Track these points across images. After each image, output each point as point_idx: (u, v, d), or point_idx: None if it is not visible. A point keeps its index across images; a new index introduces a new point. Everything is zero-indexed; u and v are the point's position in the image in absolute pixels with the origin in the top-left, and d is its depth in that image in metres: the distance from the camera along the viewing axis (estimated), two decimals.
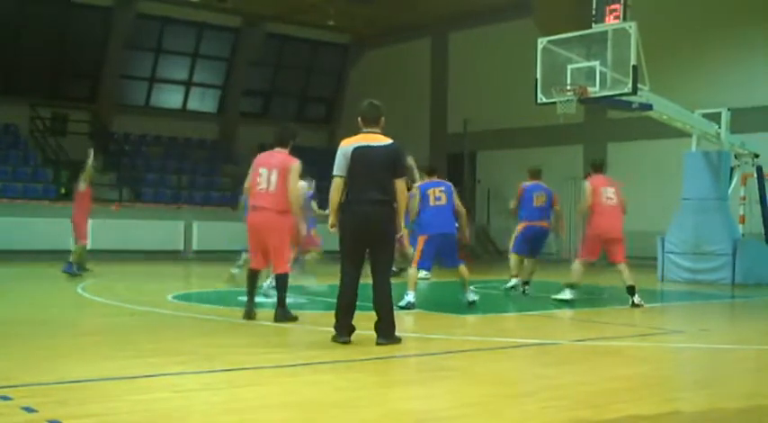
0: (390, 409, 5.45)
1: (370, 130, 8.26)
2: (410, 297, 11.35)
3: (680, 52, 24.63)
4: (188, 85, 33.63)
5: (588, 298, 13.87)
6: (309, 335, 8.97)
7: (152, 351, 7.58)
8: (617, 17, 15.85)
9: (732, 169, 19.40)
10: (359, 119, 8.31)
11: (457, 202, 12.27)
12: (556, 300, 12.64)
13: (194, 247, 26.11)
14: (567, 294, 12.71)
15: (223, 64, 34.13)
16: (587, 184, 12.86)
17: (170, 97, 33.57)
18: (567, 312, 11.95)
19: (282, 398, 5.76)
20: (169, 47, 32.79)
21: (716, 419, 5.50)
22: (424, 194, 12.01)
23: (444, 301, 13.41)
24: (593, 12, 16.26)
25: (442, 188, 12.15)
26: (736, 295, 15.65)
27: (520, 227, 14.26)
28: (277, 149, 9.60)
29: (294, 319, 9.57)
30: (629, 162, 26.35)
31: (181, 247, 26.05)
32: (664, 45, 22.49)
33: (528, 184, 14.34)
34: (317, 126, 36.06)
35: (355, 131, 8.36)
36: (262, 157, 9.88)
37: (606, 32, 16.04)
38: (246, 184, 9.88)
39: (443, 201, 12.02)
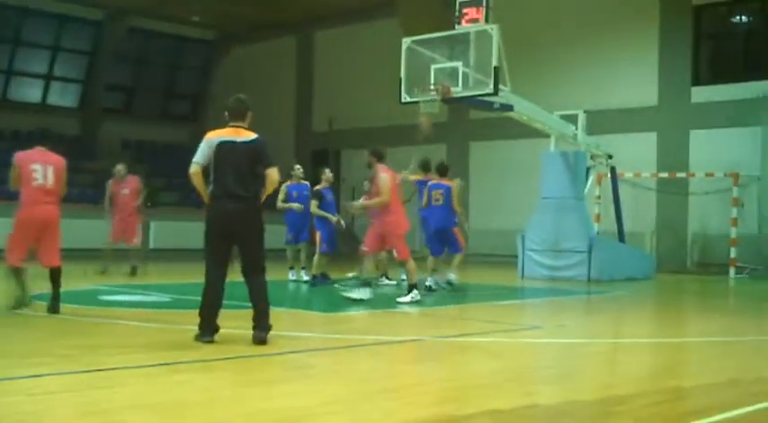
0: (254, 409, 5.44)
1: (236, 124, 8.20)
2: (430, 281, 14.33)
3: (540, 55, 25.27)
4: (48, 78, 32.66)
5: (451, 294, 14.12)
6: (172, 334, 8.85)
7: (6, 352, 7.36)
8: (479, 19, 16.14)
9: (588, 169, 19.99)
10: (226, 113, 8.25)
11: (454, 201, 14.45)
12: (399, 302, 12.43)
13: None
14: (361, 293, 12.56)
15: (85, 58, 33.28)
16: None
17: (29, 91, 32.51)
18: (430, 310, 12.12)
19: (145, 399, 5.67)
20: (28, 39, 31.76)
21: (571, 411, 5.69)
22: (429, 194, 14.62)
23: (310, 299, 13.45)
24: (457, 13, 16.52)
25: (442, 191, 14.50)
26: (591, 291, 16.17)
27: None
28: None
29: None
30: (491, 161, 26.97)
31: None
32: (525, 47, 23.03)
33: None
34: (181, 123, 35.53)
35: (223, 127, 8.29)
36: (32, 153, 9.98)
37: (469, 34, 16.32)
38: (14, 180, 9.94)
39: (441, 202, 14.46)
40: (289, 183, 15.81)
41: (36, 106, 32.20)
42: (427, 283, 14.37)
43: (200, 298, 8.16)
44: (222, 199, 8.02)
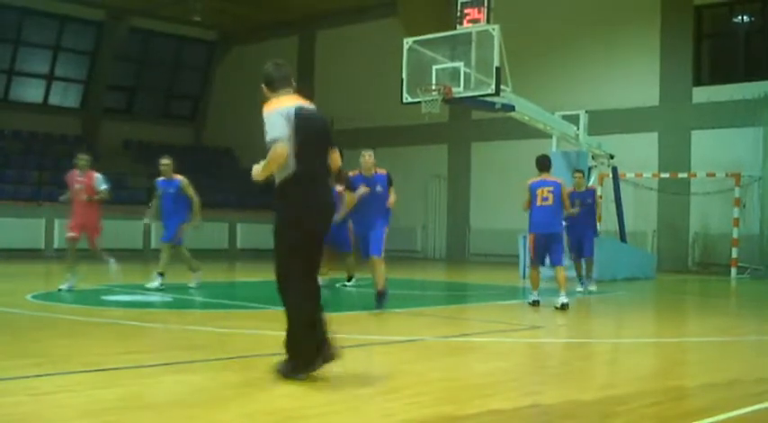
0: (254, 409, 5.44)
1: (289, 92, 6.63)
2: (534, 296, 12.48)
3: (542, 55, 25.27)
4: (49, 78, 32.67)
5: (449, 295, 14.12)
6: (172, 334, 8.85)
7: (6, 353, 7.37)
8: (480, 20, 16.14)
9: (590, 169, 19.97)
10: (264, 86, 6.61)
11: (565, 201, 12.48)
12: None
13: (56, 245, 25.36)
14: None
15: (86, 58, 33.29)
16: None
17: (30, 91, 32.53)
18: (431, 310, 12.12)
19: (144, 399, 5.67)
20: (29, 39, 31.78)
21: (571, 411, 5.68)
22: (533, 193, 12.51)
23: None
24: (458, 13, 16.52)
25: (551, 188, 12.35)
26: (592, 291, 16.14)
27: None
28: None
29: None
30: (493, 162, 26.95)
31: (42, 246, 25.28)
32: (526, 48, 23.05)
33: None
34: (182, 123, 35.55)
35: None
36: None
37: (470, 34, 16.32)
38: None
39: (550, 201, 12.30)
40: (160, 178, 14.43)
41: (37, 106, 32.21)
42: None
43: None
44: (313, 186, 6.42)
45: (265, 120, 6.32)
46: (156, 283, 13.57)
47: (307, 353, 6.38)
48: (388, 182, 11.71)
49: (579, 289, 14.66)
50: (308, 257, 6.49)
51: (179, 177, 14.26)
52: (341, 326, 9.98)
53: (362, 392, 6.07)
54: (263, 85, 6.64)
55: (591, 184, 20.04)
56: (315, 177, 6.43)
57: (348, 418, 5.31)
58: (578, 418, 5.56)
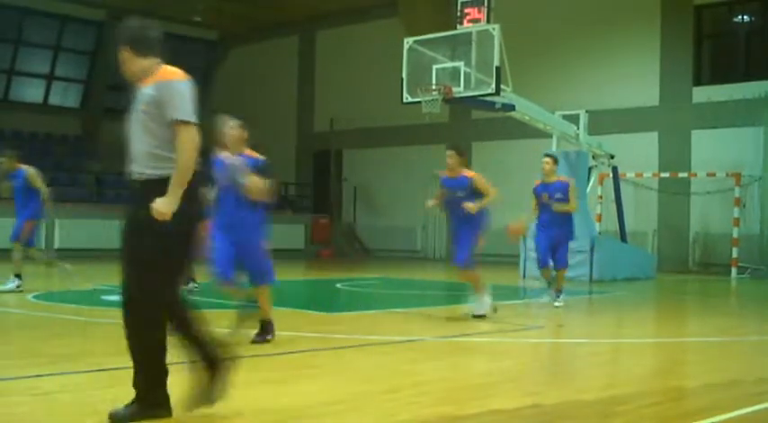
0: (256, 408, 5.45)
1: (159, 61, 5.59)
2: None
3: (541, 55, 25.27)
4: (49, 78, 32.68)
5: (450, 295, 14.13)
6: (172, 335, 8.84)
7: (8, 353, 7.38)
8: (481, 19, 16.16)
9: (590, 169, 20.01)
10: (130, 48, 5.57)
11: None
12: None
13: (56, 245, 25.39)
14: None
15: (86, 58, 33.29)
16: None
17: (30, 91, 32.53)
18: (431, 310, 12.13)
19: None
20: (29, 39, 31.78)
21: (572, 411, 5.70)
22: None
23: (313, 299, 13.46)
24: (458, 13, 16.55)
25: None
26: (593, 291, 16.17)
27: None
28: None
29: None
30: (493, 161, 26.92)
31: (42, 246, 25.27)
32: (526, 47, 23.05)
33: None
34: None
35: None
36: None
37: (471, 34, 16.35)
38: None
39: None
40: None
41: (37, 106, 32.22)
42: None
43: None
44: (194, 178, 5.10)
45: (171, 90, 5.16)
46: (11, 284, 12.65)
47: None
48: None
49: (545, 299, 12.78)
50: (182, 263, 5.23)
51: (24, 167, 12.91)
52: (341, 326, 10.01)
53: (363, 392, 6.09)
54: (126, 47, 5.47)
55: (591, 183, 20.06)
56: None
57: (349, 418, 5.32)
58: (578, 418, 5.57)
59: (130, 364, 5.10)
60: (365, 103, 29.78)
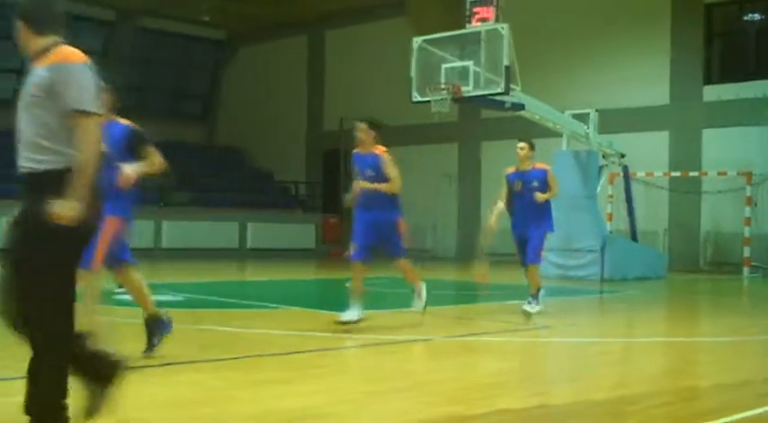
0: (263, 408, 5.42)
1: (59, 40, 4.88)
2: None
3: (551, 54, 25.20)
4: None
5: (459, 294, 14.09)
6: (180, 334, 8.83)
7: (9, 352, 7.34)
8: (490, 18, 16.13)
9: (600, 168, 19.96)
10: (26, 24, 4.73)
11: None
12: None
13: None
14: None
15: (95, 58, 33.08)
16: None
17: None
18: (440, 309, 12.09)
19: (153, 397, 5.65)
20: None
21: (582, 410, 5.66)
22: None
23: (322, 298, 13.44)
24: (467, 12, 16.52)
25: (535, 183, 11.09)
26: (603, 290, 16.11)
27: None
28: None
29: None
30: (503, 160, 26.80)
31: None
32: (535, 47, 23.00)
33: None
34: (192, 123, 35.58)
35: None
36: None
37: (480, 33, 16.32)
38: None
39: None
40: None
41: None
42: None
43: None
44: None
45: (68, 74, 4.52)
46: None
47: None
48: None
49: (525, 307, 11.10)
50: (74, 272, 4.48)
51: None
52: (349, 325, 9.98)
53: (370, 392, 6.05)
54: (22, 23, 4.71)
55: (601, 183, 20.00)
56: None
57: (356, 418, 5.30)
58: (588, 417, 5.53)
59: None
60: (374, 103, 29.70)
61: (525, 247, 11.09)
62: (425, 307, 10.11)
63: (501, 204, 11.33)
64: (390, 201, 9.59)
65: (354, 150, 9.81)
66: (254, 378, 6.55)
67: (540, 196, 10.80)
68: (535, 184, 11.04)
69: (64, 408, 4.49)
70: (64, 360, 4.48)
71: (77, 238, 4.34)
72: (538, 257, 11.23)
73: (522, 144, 11.02)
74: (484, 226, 11.09)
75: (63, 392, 4.48)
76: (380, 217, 9.54)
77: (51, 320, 4.39)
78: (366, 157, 9.64)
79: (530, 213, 11.03)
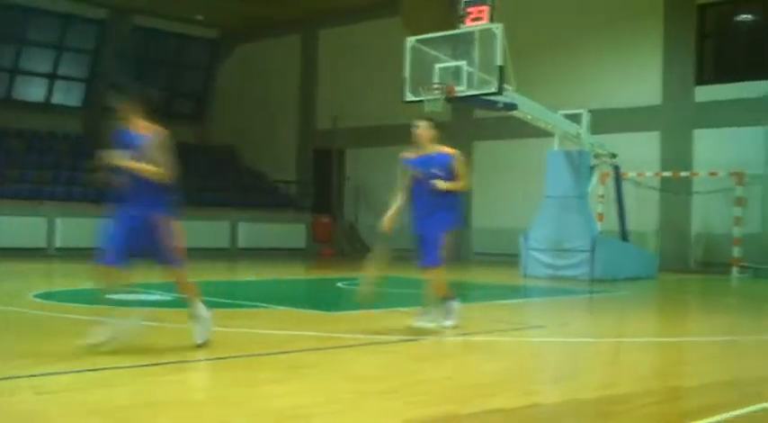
0: (254, 408, 5.45)
1: None
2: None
3: (544, 54, 25.26)
4: (52, 77, 32.70)
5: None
6: (173, 334, 8.86)
7: (11, 352, 7.38)
8: (483, 18, 16.17)
9: (592, 168, 20.01)
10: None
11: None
12: None
13: (57, 244, 25.43)
14: None
15: (89, 57, 33.31)
16: None
17: (33, 90, 32.56)
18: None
19: (149, 397, 5.69)
20: (32, 38, 31.81)
21: (572, 410, 5.71)
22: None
23: (313, 298, 13.47)
24: (461, 12, 16.56)
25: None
26: (594, 290, 16.17)
27: None
28: None
29: None
30: (495, 160, 26.94)
31: (43, 245, 25.32)
32: (529, 47, 23.06)
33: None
34: (186, 121, 35.55)
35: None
36: None
37: (473, 33, 16.36)
38: None
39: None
40: None
41: (40, 105, 32.24)
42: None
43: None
44: None
45: None
46: None
47: None
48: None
49: (419, 323, 9.50)
50: None
51: None
52: (341, 325, 10.01)
53: (362, 391, 6.09)
54: None
55: (593, 183, 20.05)
56: None
57: (350, 417, 5.32)
58: (578, 417, 5.58)
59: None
60: (367, 102, 29.78)
61: (423, 247, 9.45)
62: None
63: (402, 197, 9.70)
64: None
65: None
66: (244, 378, 6.57)
67: (440, 184, 9.16)
68: (436, 170, 9.33)
69: None
70: None
71: None
72: (437, 258, 9.32)
73: (421, 122, 9.48)
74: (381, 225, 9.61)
75: None
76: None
77: None
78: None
79: (430, 205, 9.38)
